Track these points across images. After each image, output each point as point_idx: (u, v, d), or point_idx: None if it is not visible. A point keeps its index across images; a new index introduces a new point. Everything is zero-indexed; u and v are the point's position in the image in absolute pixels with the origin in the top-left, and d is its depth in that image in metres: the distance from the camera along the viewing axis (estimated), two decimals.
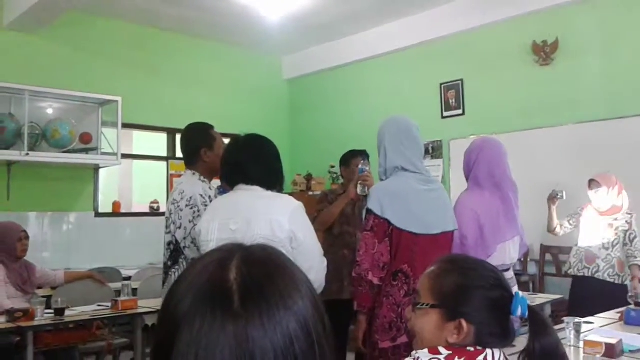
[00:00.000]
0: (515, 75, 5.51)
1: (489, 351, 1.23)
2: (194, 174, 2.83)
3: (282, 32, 6.47)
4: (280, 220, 2.24)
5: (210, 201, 2.71)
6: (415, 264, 2.36)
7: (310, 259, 2.30)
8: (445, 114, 6.07)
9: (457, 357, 1.21)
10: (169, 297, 0.66)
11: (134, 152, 7.19)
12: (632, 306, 3.21)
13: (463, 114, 5.93)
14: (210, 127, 2.99)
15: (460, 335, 1.25)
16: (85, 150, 5.58)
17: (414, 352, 1.28)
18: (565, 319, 2.58)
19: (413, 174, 2.50)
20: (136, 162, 7.55)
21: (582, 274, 4.02)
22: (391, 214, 2.38)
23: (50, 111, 5.61)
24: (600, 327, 2.82)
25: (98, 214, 5.95)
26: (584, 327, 2.75)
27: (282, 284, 0.64)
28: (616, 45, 4.91)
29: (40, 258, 5.26)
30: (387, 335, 2.33)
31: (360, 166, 3.25)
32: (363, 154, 3.98)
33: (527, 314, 1.24)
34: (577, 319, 2.57)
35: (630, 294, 3.46)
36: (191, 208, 2.66)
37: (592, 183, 4.06)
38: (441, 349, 1.24)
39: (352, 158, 4.03)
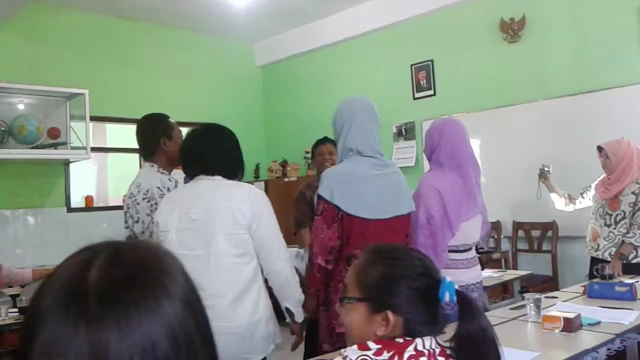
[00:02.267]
0: (484, 53, 5.50)
1: (418, 340, 1.21)
2: (152, 166, 2.79)
3: (251, 19, 6.40)
4: (242, 207, 2.24)
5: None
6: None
7: (276, 249, 2.31)
8: (417, 95, 6.05)
9: (385, 350, 1.19)
10: (33, 296, 0.63)
11: (108, 145, 7.11)
12: (597, 279, 3.24)
13: (434, 94, 5.92)
14: (167, 116, 2.95)
15: (388, 328, 1.23)
16: (54, 145, 5.49)
17: (343, 351, 1.25)
18: (526, 295, 2.60)
19: (368, 158, 2.47)
20: (111, 156, 7.48)
21: (590, 254, 3.86)
22: (340, 199, 2.37)
23: (16, 107, 5.51)
24: (563, 302, 2.84)
25: (70, 209, 5.89)
26: (547, 302, 2.78)
27: (146, 285, 0.61)
28: (583, 20, 4.91)
29: (13, 256, 5.22)
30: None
31: None
32: (325, 141, 3.86)
33: (455, 299, 1.23)
34: (537, 295, 2.58)
35: (596, 267, 3.47)
36: (148, 201, 2.63)
37: (601, 150, 3.86)
38: (370, 344, 1.21)
39: (315, 149, 3.93)
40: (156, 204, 2.60)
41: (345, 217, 2.37)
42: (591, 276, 3.54)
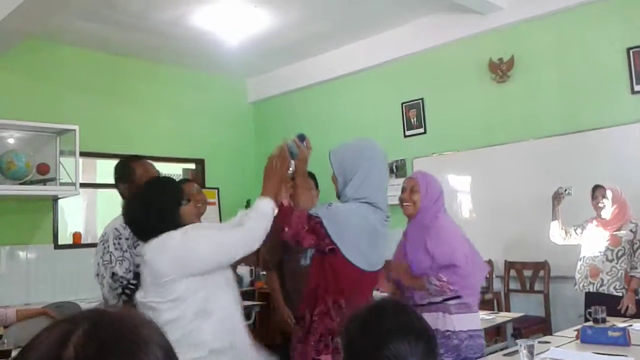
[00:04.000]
0: (473, 93, 5.56)
1: None
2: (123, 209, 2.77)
3: (243, 56, 6.46)
4: (160, 267, 2.11)
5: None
6: (354, 297, 2.25)
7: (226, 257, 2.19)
8: (408, 132, 6.09)
9: None
10: None
11: (98, 181, 7.07)
12: (590, 323, 3.21)
13: (425, 132, 5.95)
14: (132, 158, 2.93)
15: None
16: (43, 181, 5.45)
17: None
18: (519, 340, 2.55)
19: (379, 211, 2.34)
20: (100, 192, 7.42)
21: (587, 290, 3.94)
22: (341, 240, 2.23)
23: (6, 142, 5.47)
24: (556, 347, 2.80)
25: (58, 246, 5.81)
26: (540, 348, 2.73)
27: None
28: (570, 61, 4.98)
29: None
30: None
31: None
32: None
33: None
34: (530, 341, 2.54)
35: (589, 310, 3.46)
36: (103, 244, 2.67)
37: (597, 190, 3.97)
38: None
39: None
40: (109, 247, 2.64)
41: (340, 261, 2.24)
42: (587, 315, 3.53)
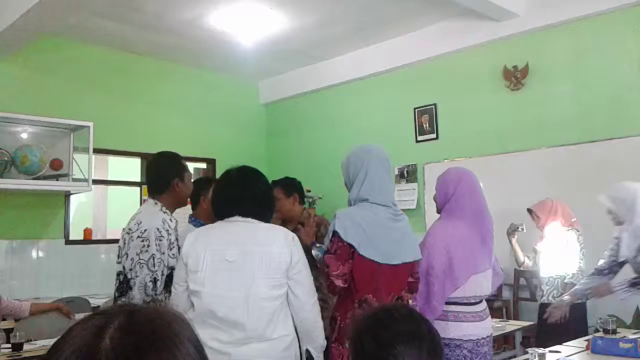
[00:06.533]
0: (487, 100, 5.55)
1: None
2: (156, 203, 2.77)
3: (258, 57, 6.48)
4: (282, 252, 2.26)
5: (169, 233, 2.66)
6: (380, 294, 2.42)
7: (308, 295, 2.32)
8: (419, 138, 6.09)
9: None
10: (45, 358, 0.63)
11: (110, 178, 7.12)
12: (600, 333, 3.20)
13: (437, 138, 5.95)
14: (180, 156, 2.97)
15: None
16: (56, 177, 5.49)
17: None
18: (529, 349, 2.55)
19: (384, 207, 2.53)
20: (111, 188, 7.47)
21: (542, 302, 4.15)
22: (354, 239, 2.41)
23: (20, 137, 5.53)
24: (567, 357, 2.80)
25: (69, 242, 5.85)
26: (550, 357, 2.73)
27: (155, 356, 0.61)
28: (585, 69, 4.97)
29: (9, 287, 5.16)
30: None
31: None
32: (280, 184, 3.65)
33: None
34: (541, 350, 2.54)
35: (600, 319, 3.45)
36: (142, 240, 2.60)
37: (531, 212, 4.30)
38: None
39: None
40: (148, 245, 2.58)
41: (357, 258, 2.40)
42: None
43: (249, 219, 2.33)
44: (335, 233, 2.43)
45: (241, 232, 2.29)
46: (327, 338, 2.45)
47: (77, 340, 0.62)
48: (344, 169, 2.64)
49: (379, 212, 2.50)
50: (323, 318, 2.43)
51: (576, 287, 3.66)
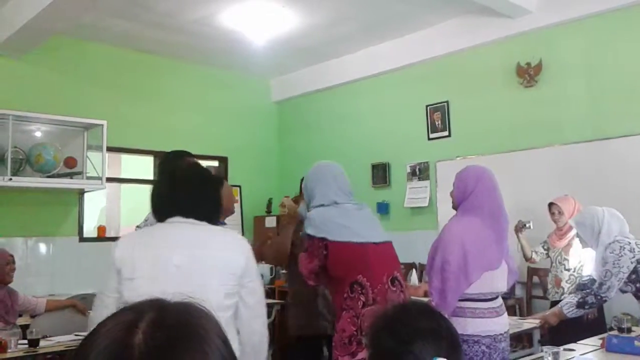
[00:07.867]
0: (499, 97, 5.52)
1: None
2: None
3: (269, 55, 6.49)
4: (235, 257, 2.03)
5: None
6: (371, 273, 2.57)
7: (260, 305, 2.11)
8: (432, 135, 6.07)
9: None
10: (75, 354, 0.64)
11: (123, 176, 7.16)
12: (615, 332, 3.18)
13: (449, 135, 5.93)
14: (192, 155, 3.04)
15: None
16: (70, 175, 5.54)
17: None
18: (544, 347, 2.55)
19: (342, 203, 2.78)
20: (124, 186, 7.52)
21: (555, 299, 4.13)
22: (327, 232, 2.61)
23: (34, 135, 5.58)
24: (581, 355, 2.78)
25: (82, 239, 5.90)
26: (564, 355, 2.72)
27: (188, 351, 0.62)
28: (599, 66, 4.93)
29: (23, 283, 5.19)
30: (345, 350, 2.49)
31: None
32: None
33: None
34: (556, 348, 2.53)
35: (614, 316, 3.44)
36: None
37: (553, 206, 4.31)
38: None
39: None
40: None
41: (332, 246, 2.59)
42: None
43: (193, 220, 2.04)
44: (306, 234, 2.67)
45: (187, 235, 2.01)
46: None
47: (110, 335, 0.63)
48: (304, 189, 2.93)
49: (343, 205, 2.75)
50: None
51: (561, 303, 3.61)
